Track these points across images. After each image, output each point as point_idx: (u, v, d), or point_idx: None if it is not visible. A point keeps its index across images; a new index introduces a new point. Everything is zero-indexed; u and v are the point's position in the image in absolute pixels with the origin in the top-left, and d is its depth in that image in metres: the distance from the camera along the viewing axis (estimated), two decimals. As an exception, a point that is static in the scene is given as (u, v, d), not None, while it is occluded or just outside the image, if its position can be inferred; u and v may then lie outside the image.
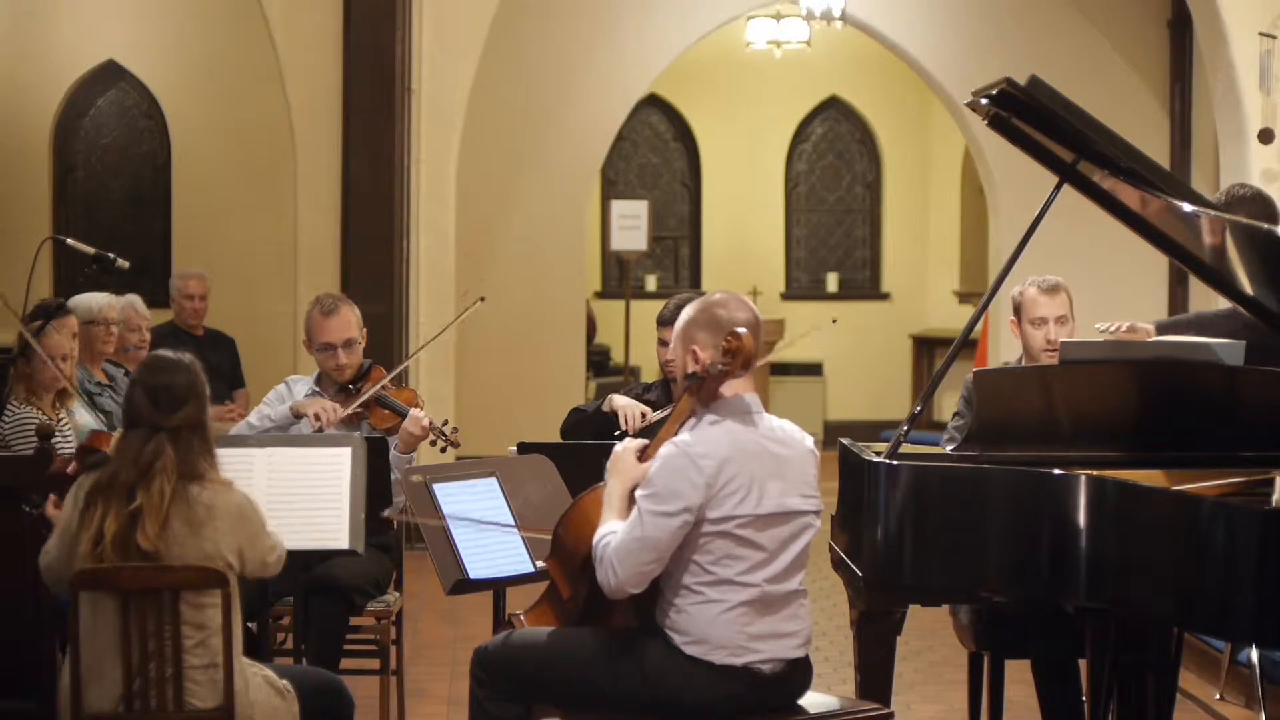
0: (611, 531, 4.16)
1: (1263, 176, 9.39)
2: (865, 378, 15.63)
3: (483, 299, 6.54)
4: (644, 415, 5.69)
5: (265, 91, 10.64)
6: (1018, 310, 5.69)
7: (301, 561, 5.09)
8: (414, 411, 5.84)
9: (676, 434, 4.21)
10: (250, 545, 4.26)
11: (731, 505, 4.15)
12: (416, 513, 4.84)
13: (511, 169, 12.36)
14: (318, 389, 6.03)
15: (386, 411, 5.91)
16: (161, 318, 8.82)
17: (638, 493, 4.15)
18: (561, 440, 5.84)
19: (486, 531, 4.91)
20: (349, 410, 5.86)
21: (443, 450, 5.99)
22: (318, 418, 5.79)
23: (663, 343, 5.74)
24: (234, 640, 4.20)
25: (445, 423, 5.94)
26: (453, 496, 4.95)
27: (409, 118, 9.72)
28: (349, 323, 5.97)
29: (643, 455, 4.23)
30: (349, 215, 9.64)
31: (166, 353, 4.35)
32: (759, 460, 4.20)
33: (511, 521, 4.94)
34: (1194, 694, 6.58)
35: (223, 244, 11.96)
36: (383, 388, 5.95)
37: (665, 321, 5.58)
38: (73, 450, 6.03)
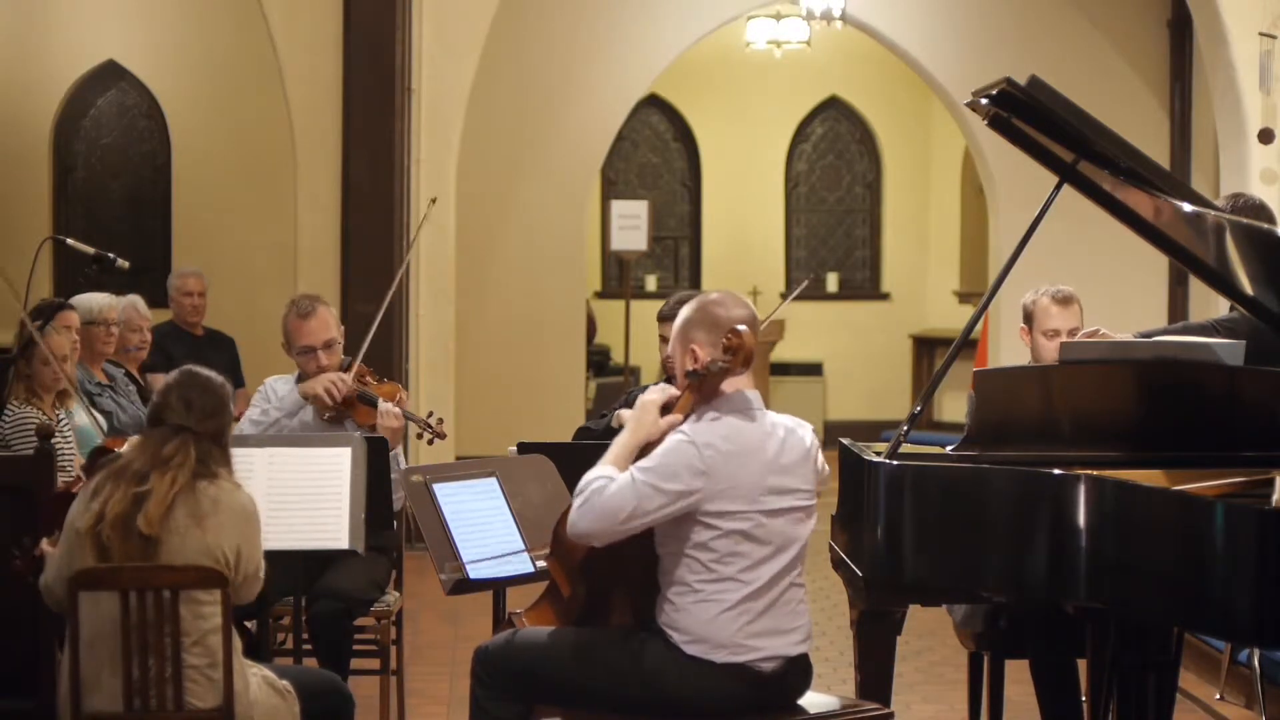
0: (608, 478, 4.15)
1: (1263, 176, 9.40)
2: (865, 378, 15.62)
3: (434, 200, 6.87)
4: None
5: (265, 91, 10.64)
6: (1028, 319, 5.67)
7: (302, 561, 5.09)
8: (383, 404, 5.77)
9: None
10: (248, 547, 4.26)
11: (732, 500, 4.15)
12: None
13: (511, 169, 12.36)
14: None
15: (367, 407, 5.83)
16: (161, 318, 8.82)
17: (635, 466, 4.15)
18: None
19: (486, 532, 4.91)
20: (352, 381, 5.80)
21: (429, 442, 5.92)
22: (330, 394, 5.75)
23: (663, 339, 5.73)
24: (233, 640, 4.20)
25: (430, 414, 5.90)
26: (453, 496, 4.94)
27: (409, 118, 9.71)
28: (327, 324, 5.92)
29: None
30: (349, 215, 9.63)
31: (201, 369, 4.38)
32: (762, 456, 4.21)
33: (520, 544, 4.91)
34: (1194, 694, 6.58)
35: (223, 244, 11.95)
36: (363, 382, 5.90)
37: (666, 318, 5.58)
38: (71, 453, 6.05)
